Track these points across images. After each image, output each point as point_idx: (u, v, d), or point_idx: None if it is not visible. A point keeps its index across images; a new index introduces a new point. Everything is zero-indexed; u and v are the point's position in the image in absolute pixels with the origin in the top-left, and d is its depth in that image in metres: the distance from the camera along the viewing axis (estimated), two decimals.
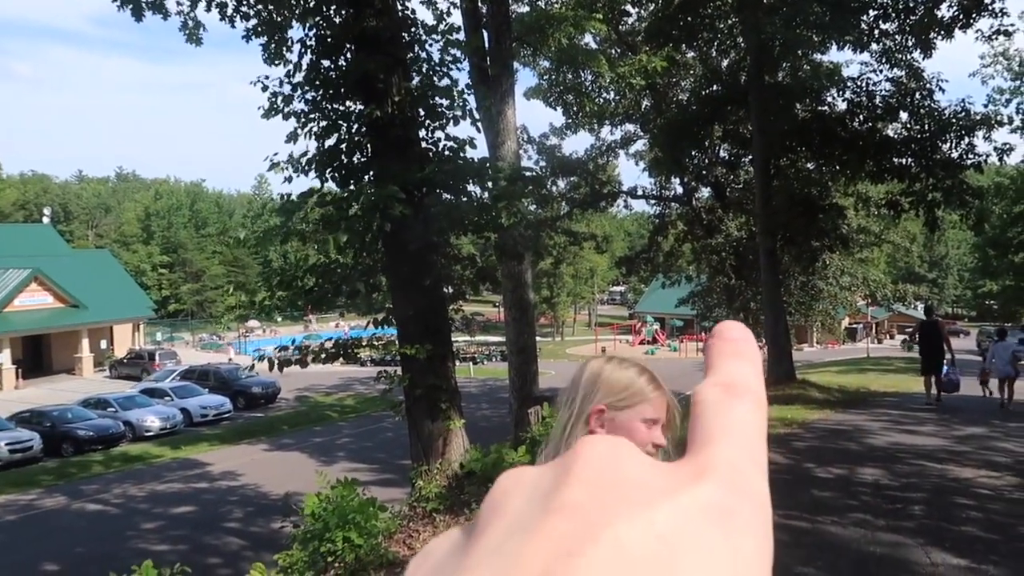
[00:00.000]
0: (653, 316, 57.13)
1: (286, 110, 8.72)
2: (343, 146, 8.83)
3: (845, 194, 20.15)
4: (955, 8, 15.77)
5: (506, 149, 12.32)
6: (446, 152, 9.04)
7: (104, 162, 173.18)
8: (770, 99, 17.19)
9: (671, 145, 19.54)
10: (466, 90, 9.41)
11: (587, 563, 0.24)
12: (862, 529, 6.21)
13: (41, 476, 18.66)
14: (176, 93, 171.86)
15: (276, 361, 8.53)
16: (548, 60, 18.43)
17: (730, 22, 18.56)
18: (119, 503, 15.79)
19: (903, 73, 17.07)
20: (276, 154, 8.63)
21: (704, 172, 22.19)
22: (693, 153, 20.90)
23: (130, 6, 10.50)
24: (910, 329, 24.68)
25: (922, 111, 16.67)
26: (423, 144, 9.07)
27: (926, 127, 16.62)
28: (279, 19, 9.23)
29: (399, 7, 8.97)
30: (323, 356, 9.10)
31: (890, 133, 17.30)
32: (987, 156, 16.39)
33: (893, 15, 16.38)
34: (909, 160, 16.67)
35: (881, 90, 17.20)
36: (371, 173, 8.85)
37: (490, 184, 9.15)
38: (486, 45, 12.30)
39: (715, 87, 19.94)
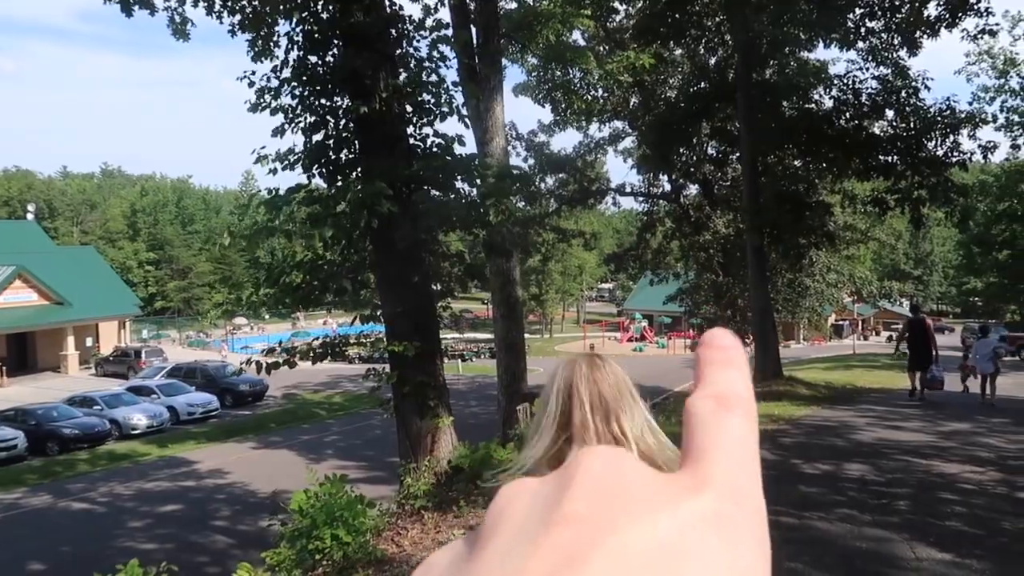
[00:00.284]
0: (641, 313, 57.31)
1: (273, 105, 8.67)
2: (330, 142, 8.80)
3: (832, 191, 20.27)
4: (941, 7, 15.88)
5: (494, 146, 12.31)
6: (434, 149, 9.02)
7: (89, 158, 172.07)
8: (757, 97, 17.27)
9: (659, 142, 19.59)
10: (454, 87, 9.39)
11: (592, 570, 0.25)
12: (848, 524, 6.26)
13: (26, 475, 18.50)
14: (162, 89, 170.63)
15: (264, 364, 8.48)
16: (536, 57, 18.41)
17: (718, 19, 18.62)
18: (105, 502, 15.68)
19: (889, 71, 17.17)
20: (263, 147, 8.60)
21: (692, 169, 22.25)
22: (681, 150, 20.95)
23: (117, 1, 10.40)
24: (897, 326, 24.87)
25: (908, 109, 16.78)
26: (411, 141, 9.04)
27: (911, 125, 16.73)
28: (266, 15, 9.17)
29: (387, 3, 8.93)
30: (310, 355, 9.07)
31: (876, 131, 17.41)
32: (972, 154, 16.52)
33: (879, 13, 16.48)
34: (895, 158, 16.79)
35: (867, 88, 17.32)
36: (359, 169, 8.81)
37: (478, 181, 9.14)
38: (474, 42, 12.28)
39: (703, 84, 20.00)
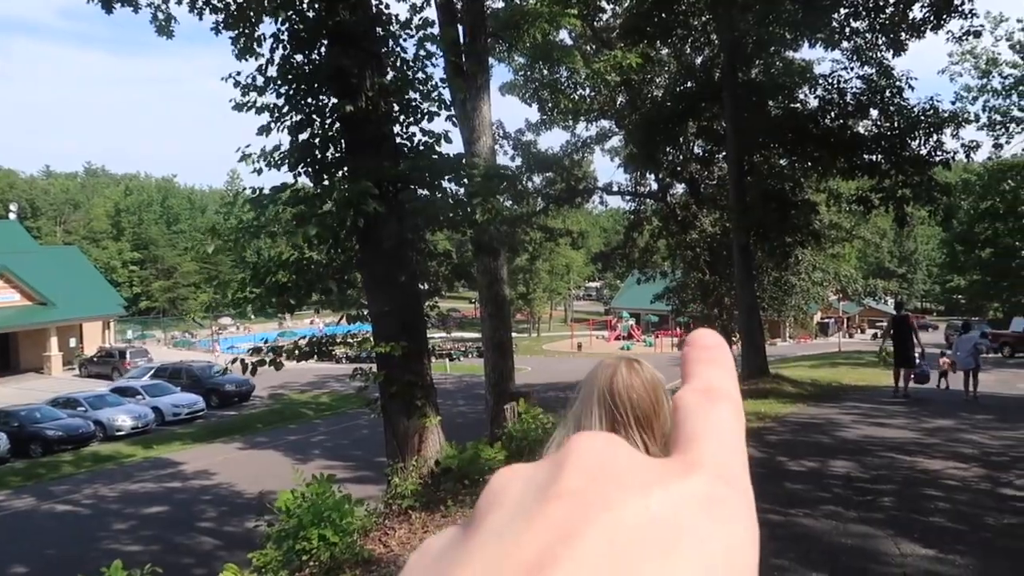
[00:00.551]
0: (628, 312, 57.45)
1: (259, 104, 8.61)
2: (316, 141, 8.75)
3: (817, 190, 20.39)
4: (926, 9, 16.01)
5: (481, 145, 12.30)
6: (421, 148, 9.00)
7: (72, 157, 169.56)
8: (744, 96, 17.35)
9: (646, 141, 19.63)
10: (441, 84, 9.37)
11: (586, 544, 0.25)
12: (834, 521, 6.31)
13: (9, 477, 18.30)
14: (147, 87, 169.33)
15: (250, 364, 8.42)
16: (523, 56, 18.40)
17: (704, 19, 18.69)
18: (90, 504, 15.54)
19: (873, 71, 17.30)
20: (248, 146, 8.55)
21: (679, 168, 22.33)
22: (668, 149, 21.01)
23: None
24: (883, 324, 25.07)
25: (892, 108, 16.91)
26: (397, 139, 9.01)
27: (896, 124, 16.87)
28: (250, 13, 9.10)
29: (372, 2, 8.90)
30: (297, 354, 9.02)
31: (861, 130, 17.54)
32: (955, 153, 16.68)
33: (863, 13, 16.60)
34: (879, 157, 16.91)
35: (852, 88, 17.45)
36: (345, 168, 8.78)
37: (465, 180, 9.12)
38: (461, 40, 12.25)
39: (689, 84, 20.08)
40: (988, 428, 11.42)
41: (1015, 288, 27.45)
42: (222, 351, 40.51)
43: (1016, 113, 25.96)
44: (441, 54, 10.17)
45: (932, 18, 16.11)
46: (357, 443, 19.57)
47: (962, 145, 16.94)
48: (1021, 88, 25.67)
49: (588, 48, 19.70)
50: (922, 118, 16.54)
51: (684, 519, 0.27)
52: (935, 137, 16.48)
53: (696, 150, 22.11)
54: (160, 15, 11.10)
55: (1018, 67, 25.83)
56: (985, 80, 26.24)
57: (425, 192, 9.03)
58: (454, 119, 10.45)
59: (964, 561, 5.32)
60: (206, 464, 18.17)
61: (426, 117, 8.98)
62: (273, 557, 5.89)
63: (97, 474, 18.37)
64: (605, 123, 23.81)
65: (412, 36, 9.00)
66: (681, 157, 21.94)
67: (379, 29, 8.89)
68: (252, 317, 11.80)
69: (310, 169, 8.79)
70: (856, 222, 26.34)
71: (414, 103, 8.93)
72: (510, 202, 19.14)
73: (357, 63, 8.36)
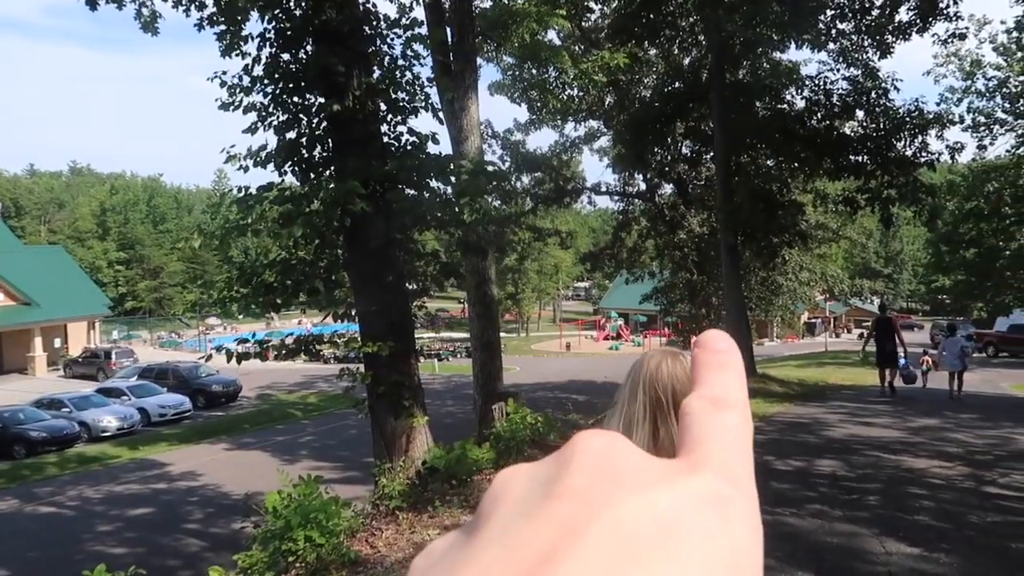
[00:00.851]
0: (617, 312, 57.58)
1: (245, 103, 8.56)
2: (303, 140, 8.71)
3: (804, 191, 20.51)
4: (912, 12, 16.14)
5: (469, 145, 12.28)
6: (408, 147, 8.97)
7: (57, 156, 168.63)
8: (731, 97, 17.42)
9: (634, 141, 19.68)
10: (428, 85, 9.35)
11: (591, 542, 0.25)
12: (819, 520, 6.34)
13: None
14: (132, 85, 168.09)
15: (235, 354, 8.38)
16: (512, 56, 18.40)
17: (691, 20, 18.74)
18: (74, 505, 15.40)
19: (859, 72, 17.41)
20: (234, 146, 8.50)
21: (667, 169, 22.38)
22: (656, 150, 21.07)
23: None
24: (867, 323, 25.25)
25: (877, 109, 17.04)
26: (385, 139, 8.99)
27: (881, 125, 16.99)
28: (236, 10, 9.03)
29: (360, 0, 8.87)
30: (283, 352, 8.98)
31: (847, 131, 17.65)
32: (939, 154, 16.83)
33: (849, 15, 16.71)
34: (865, 158, 17.03)
35: (838, 89, 17.55)
36: (332, 167, 8.74)
37: (453, 179, 9.10)
38: (449, 40, 12.23)
39: (677, 84, 20.13)
40: (972, 427, 11.52)
41: (999, 288, 27.66)
42: (215, 351, 40.23)
43: (1000, 115, 26.19)
44: (429, 54, 10.15)
45: (918, 20, 16.23)
46: (345, 443, 19.50)
47: (947, 146, 17.13)
48: (1005, 90, 25.89)
49: (576, 48, 19.71)
50: (907, 119, 16.67)
51: (690, 518, 0.26)
52: (920, 138, 16.62)
53: (684, 150, 22.18)
54: (145, 11, 11.03)
55: (1001, 69, 26.05)
56: (969, 82, 26.43)
57: (412, 191, 9.00)
58: (441, 116, 10.44)
59: (948, 559, 5.36)
60: (193, 465, 18.05)
61: (413, 114, 8.95)
62: (259, 559, 5.85)
63: (82, 475, 18.20)
64: (594, 123, 23.86)
65: (400, 35, 8.98)
66: (669, 157, 22.00)
67: (366, 28, 8.86)
68: (240, 317, 11.73)
69: (297, 168, 8.75)
70: (842, 222, 26.51)
71: (402, 102, 8.90)
72: (498, 202, 19.12)
73: (344, 62, 8.33)
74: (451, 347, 42.00)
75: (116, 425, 22.65)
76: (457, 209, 8.91)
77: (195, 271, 60.87)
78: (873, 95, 17.07)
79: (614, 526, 0.26)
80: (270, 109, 8.60)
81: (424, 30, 9.94)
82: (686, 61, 20.79)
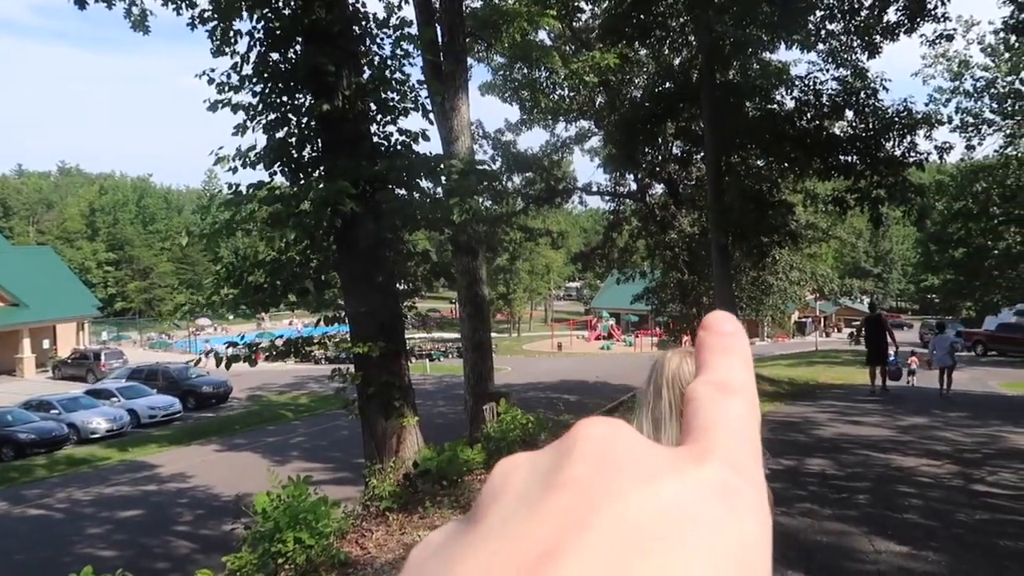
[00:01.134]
0: (608, 312, 57.64)
1: (234, 102, 8.52)
2: (292, 140, 8.68)
3: (794, 191, 20.58)
4: (900, 13, 16.22)
5: (460, 145, 12.26)
6: (398, 147, 8.95)
7: (46, 156, 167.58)
8: (721, 97, 17.45)
9: (625, 142, 19.70)
10: (418, 85, 9.33)
11: (595, 534, 0.24)
12: (809, 519, 6.36)
13: None
14: (122, 85, 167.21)
15: (224, 358, 8.33)
16: (502, 56, 18.40)
17: (682, 20, 18.77)
18: (63, 508, 15.29)
19: (848, 72, 17.49)
20: (222, 147, 8.45)
21: (657, 169, 22.43)
22: (647, 150, 21.09)
23: None
24: (857, 323, 25.38)
25: (867, 110, 17.11)
26: (375, 139, 8.96)
27: (870, 126, 17.06)
28: (229, 10, 8.99)
29: (349, 0, 8.84)
30: (274, 353, 8.94)
31: (836, 131, 17.71)
32: (928, 154, 16.92)
33: (839, 16, 16.78)
34: (854, 158, 17.09)
35: (828, 89, 17.61)
36: (321, 168, 8.71)
37: (443, 179, 9.09)
38: (439, 40, 12.21)
39: (668, 84, 20.16)
40: (961, 425, 11.59)
41: (987, 287, 27.86)
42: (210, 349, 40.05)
43: (988, 115, 26.39)
44: (419, 53, 10.13)
45: (906, 21, 16.31)
46: (336, 444, 19.44)
47: (935, 147, 17.25)
48: (992, 91, 26.08)
49: (567, 48, 19.74)
50: (896, 119, 16.75)
51: (697, 509, 0.25)
52: (909, 138, 16.70)
53: (675, 151, 22.22)
54: (135, 9, 10.97)
55: (989, 70, 26.24)
56: (957, 82, 26.62)
57: (403, 192, 8.98)
58: (431, 115, 10.42)
59: (937, 557, 5.39)
60: (183, 467, 17.95)
61: (403, 114, 8.93)
62: (248, 560, 5.83)
63: (71, 477, 18.08)
64: (584, 123, 23.88)
65: (389, 35, 8.95)
66: (660, 158, 22.04)
67: (356, 28, 8.84)
68: (230, 318, 11.67)
69: (286, 168, 8.72)
70: (832, 222, 26.62)
71: (391, 102, 8.88)
72: (490, 202, 19.11)
73: (333, 62, 8.30)
74: (442, 347, 41.95)
75: (105, 427, 22.51)
76: (447, 209, 8.90)
77: (185, 272, 60.61)
78: (862, 95, 17.14)
79: (618, 518, 0.25)
80: (259, 108, 8.56)
81: (414, 30, 9.93)
82: (676, 61, 20.82)
